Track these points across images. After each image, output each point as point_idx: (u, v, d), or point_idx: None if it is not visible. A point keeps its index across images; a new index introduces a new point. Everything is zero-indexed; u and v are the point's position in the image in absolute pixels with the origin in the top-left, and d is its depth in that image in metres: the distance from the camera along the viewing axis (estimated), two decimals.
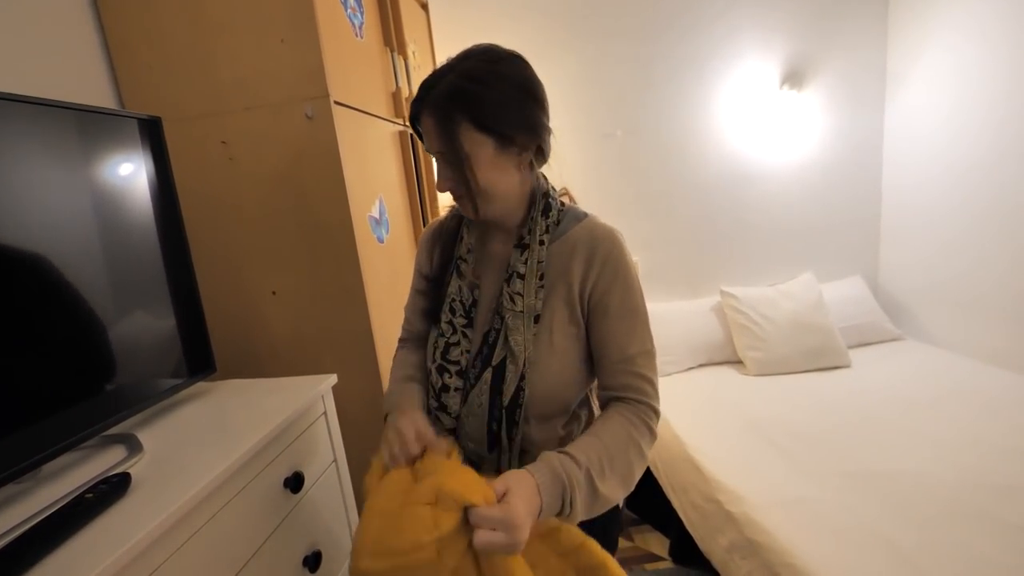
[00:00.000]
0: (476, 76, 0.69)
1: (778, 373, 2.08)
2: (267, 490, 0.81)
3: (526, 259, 0.75)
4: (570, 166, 2.32)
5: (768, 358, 2.10)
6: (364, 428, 1.20)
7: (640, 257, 2.42)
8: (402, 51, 1.52)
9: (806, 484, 1.38)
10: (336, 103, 1.10)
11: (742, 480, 1.44)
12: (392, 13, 1.46)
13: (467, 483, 0.59)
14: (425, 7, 1.91)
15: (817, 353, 2.08)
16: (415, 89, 1.62)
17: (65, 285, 0.75)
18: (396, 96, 1.48)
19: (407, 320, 0.91)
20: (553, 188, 0.82)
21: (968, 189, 2.02)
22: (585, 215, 0.79)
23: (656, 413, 0.74)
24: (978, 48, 1.93)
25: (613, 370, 0.74)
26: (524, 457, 0.76)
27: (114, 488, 0.65)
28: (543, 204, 0.77)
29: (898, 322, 2.36)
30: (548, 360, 0.74)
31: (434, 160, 0.77)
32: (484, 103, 0.68)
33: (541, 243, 0.75)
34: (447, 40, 2.12)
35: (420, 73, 1.74)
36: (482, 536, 0.56)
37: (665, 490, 1.82)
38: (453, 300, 0.80)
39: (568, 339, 0.75)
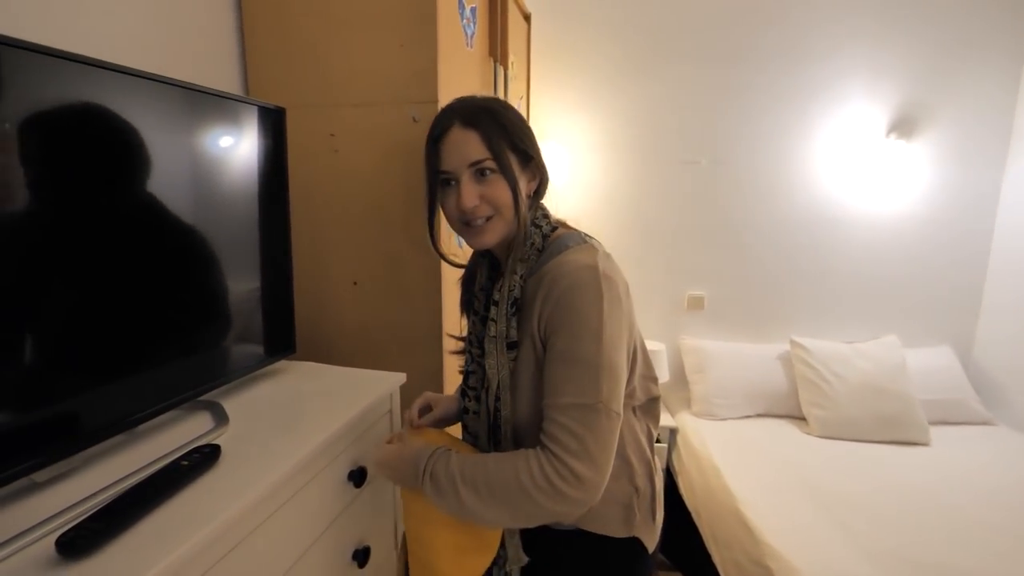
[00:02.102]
0: (496, 104, 0.77)
1: (844, 438, 1.94)
2: (333, 481, 0.83)
3: (500, 286, 0.77)
4: (645, 191, 2.28)
5: (835, 419, 1.96)
6: None
7: (707, 292, 2.34)
8: (504, 62, 1.53)
9: (870, 567, 1.27)
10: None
11: (797, 549, 1.35)
12: (501, 24, 1.48)
13: None
14: (528, 19, 1.93)
15: (892, 423, 1.93)
16: (510, 99, 1.64)
17: (184, 251, 0.81)
18: None
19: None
20: (545, 216, 0.81)
21: None
22: (567, 246, 0.75)
23: (574, 475, 0.64)
24: None
25: (544, 413, 0.69)
26: None
27: (206, 458, 0.68)
28: (523, 232, 0.77)
29: (990, 404, 2.15)
30: (522, 390, 0.76)
31: (455, 179, 0.76)
32: (511, 123, 0.75)
33: (513, 272, 0.76)
34: (544, 52, 2.13)
35: (516, 84, 1.76)
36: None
37: (706, 540, 1.74)
38: (470, 333, 0.87)
39: (538, 373, 0.74)
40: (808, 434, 1.99)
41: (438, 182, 0.77)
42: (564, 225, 0.82)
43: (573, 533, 0.82)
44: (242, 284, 0.96)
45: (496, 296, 0.77)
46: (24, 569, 0.51)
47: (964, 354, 2.27)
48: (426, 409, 0.95)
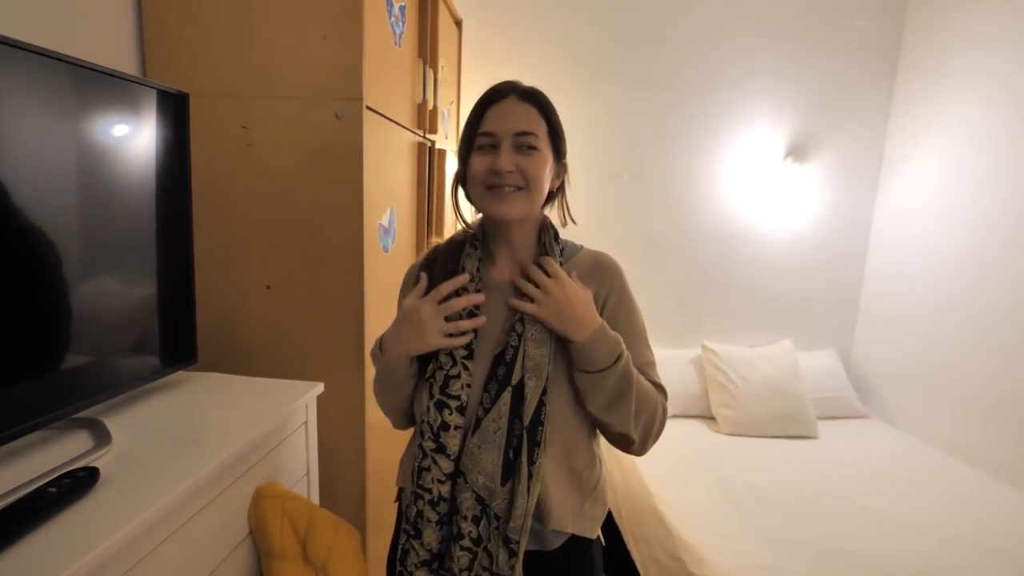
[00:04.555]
0: (547, 98, 0.78)
1: (748, 435, 2.10)
2: (238, 501, 0.77)
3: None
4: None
5: (741, 418, 2.12)
6: (340, 439, 1.15)
7: None
8: (434, 65, 1.52)
9: (770, 553, 1.38)
10: (367, 108, 1.08)
11: (707, 541, 1.43)
12: (431, 27, 1.46)
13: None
14: (459, 24, 1.93)
15: (789, 420, 2.12)
16: (440, 103, 1.63)
17: (52, 250, 0.71)
18: (421, 108, 1.47)
19: None
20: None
21: (947, 284, 2.11)
22: (581, 246, 0.86)
23: (666, 412, 0.81)
24: (970, 150, 2.04)
25: (641, 371, 0.78)
26: (541, 495, 0.73)
27: (80, 483, 0.60)
28: (552, 231, 0.82)
29: (865, 400, 2.43)
30: (566, 378, 0.75)
31: (499, 144, 0.75)
32: (557, 117, 0.78)
33: (558, 258, 0.80)
34: (475, 60, 2.13)
35: (446, 88, 1.74)
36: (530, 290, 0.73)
37: (626, 539, 1.80)
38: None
39: None
40: (718, 432, 2.14)
41: (473, 147, 0.75)
42: None
43: (560, 549, 0.78)
44: (134, 287, 0.86)
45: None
46: None
47: (845, 357, 2.56)
48: None
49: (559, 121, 0.78)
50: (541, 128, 0.75)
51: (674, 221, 2.41)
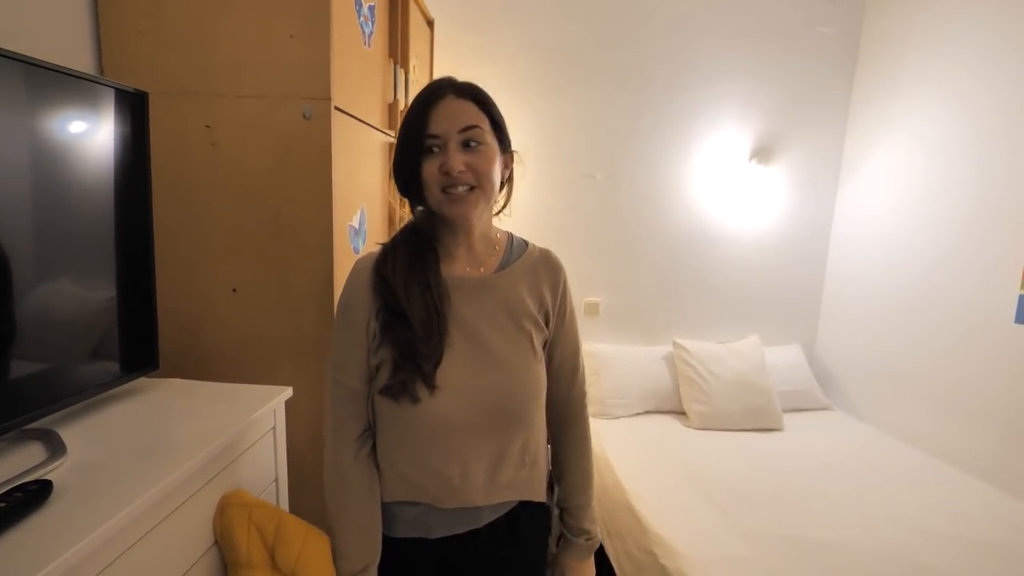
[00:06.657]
0: (483, 91, 0.79)
1: (718, 428, 2.15)
2: (202, 512, 0.75)
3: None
4: (551, 202, 2.36)
5: (711, 413, 2.17)
6: (310, 444, 1.14)
7: (602, 299, 2.48)
8: (404, 64, 1.51)
9: (741, 544, 1.42)
10: (336, 108, 1.07)
11: (679, 534, 1.46)
12: (401, 26, 1.45)
13: None
14: (431, 24, 1.92)
15: (757, 414, 2.18)
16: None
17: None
18: (392, 108, 1.46)
19: (349, 389, 0.78)
20: None
21: (903, 281, 2.21)
22: (526, 240, 0.91)
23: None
24: (924, 150, 2.14)
25: (577, 378, 0.96)
26: None
27: (32, 497, 0.57)
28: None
29: (828, 392, 2.53)
30: (532, 365, 0.85)
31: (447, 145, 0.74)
32: (496, 108, 0.79)
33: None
34: (448, 59, 2.13)
35: (417, 88, 1.73)
36: None
37: (600, 535, 1.82)
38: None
39: (533, 349, 0.87)
40: (688, 427, 2.19)
41: (422, 149, 0.74)
42: None
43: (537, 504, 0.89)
44: (91, 291, 0.83)
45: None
46: None
47: (809, 351, 2.65)
48: None
49: (499, 113, 0.79)
50: (484, 122, 0.75)
51: (645, 220, 2.45)
